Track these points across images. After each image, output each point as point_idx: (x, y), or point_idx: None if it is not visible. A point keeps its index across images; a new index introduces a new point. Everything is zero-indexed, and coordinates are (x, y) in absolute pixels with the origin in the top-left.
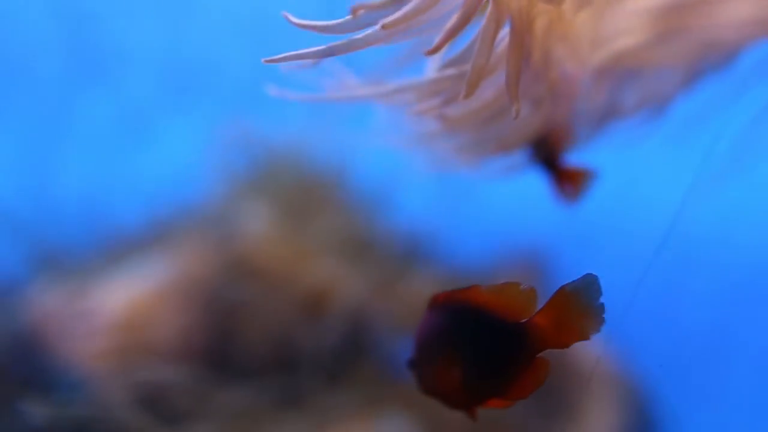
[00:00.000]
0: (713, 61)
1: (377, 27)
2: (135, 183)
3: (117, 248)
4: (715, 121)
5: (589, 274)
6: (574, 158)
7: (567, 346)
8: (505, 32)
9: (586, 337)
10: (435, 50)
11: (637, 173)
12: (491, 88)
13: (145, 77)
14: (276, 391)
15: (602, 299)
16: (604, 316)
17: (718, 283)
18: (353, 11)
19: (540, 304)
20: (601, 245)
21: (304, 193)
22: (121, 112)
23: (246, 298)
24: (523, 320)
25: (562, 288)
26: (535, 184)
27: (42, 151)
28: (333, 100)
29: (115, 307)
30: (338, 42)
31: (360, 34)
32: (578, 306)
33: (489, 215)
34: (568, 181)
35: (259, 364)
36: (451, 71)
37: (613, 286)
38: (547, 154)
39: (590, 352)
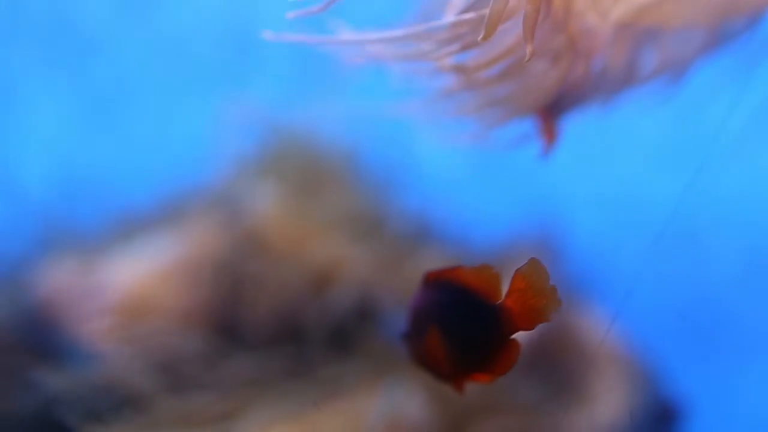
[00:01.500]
0: (735, 24)
1: None
2: (145, 162)
3: (127, 227)
4: (733, 89)
5: (532, 258)
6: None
7: (532, 327)
8: None
9: (546, 319)
10: None
11: (652, 144)
12: (510, 35)
13: (155, 56)
14: (284, 362)
15: (551, 281)
16: (558, 298)
17: (734, 262)
18: None
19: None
20: (620, 224)
21: (314, 172)
22: (132, 90)
23: (255, 273)
24: (497, 302)
25: (515, 272)
26: (552, 160)
27: (55, 129)
28: (339, 44)
29: (124, 281)
30: None
31: None
32: (533, 289)
33: (504, 192)
34: (546, 133)
35: (268, 338)
36: (469, 15)
37: (629, 265)
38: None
39: (599, 331)
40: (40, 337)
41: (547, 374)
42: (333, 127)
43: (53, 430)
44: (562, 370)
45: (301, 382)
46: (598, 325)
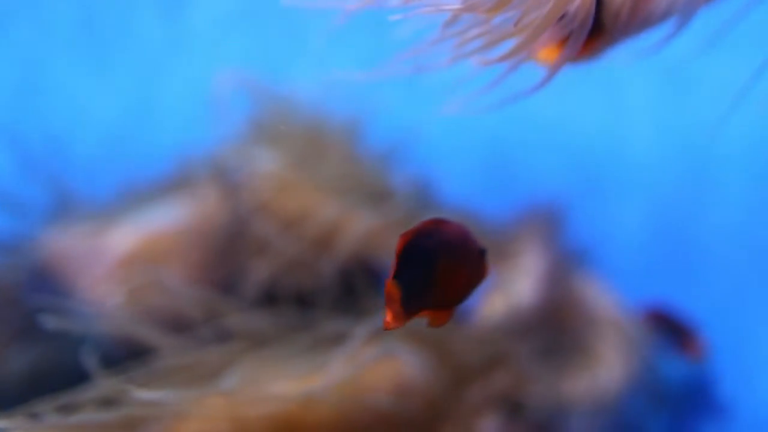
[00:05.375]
0: None
1: None
2: (150, 132)
3: (132, 196)
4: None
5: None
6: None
7: None
8: None
9: None
10: None
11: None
12: None
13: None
14: (286, 320)
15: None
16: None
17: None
18: None
19: None
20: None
21: (315, 140)
22: (138, 60)
23: (258, 235)
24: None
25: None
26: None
27: (64, 99)
28: None
29: (129, 243)
30: None
31: None
32: None
33: (508, 164)
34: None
35: (271, 297)
36: None
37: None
38: None
39: (606, 299)
40: (48, 296)
41: (549, 340)
42: (334, 95)
43: (66, 380)
44: (563, 336)
45: (303, 339)
46: (600, 293)
